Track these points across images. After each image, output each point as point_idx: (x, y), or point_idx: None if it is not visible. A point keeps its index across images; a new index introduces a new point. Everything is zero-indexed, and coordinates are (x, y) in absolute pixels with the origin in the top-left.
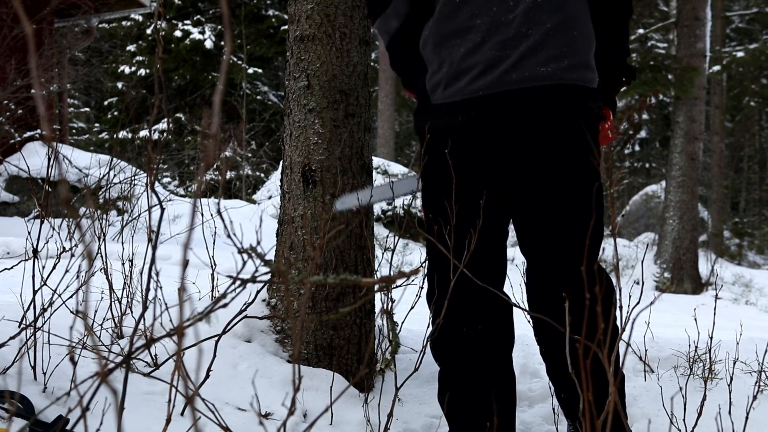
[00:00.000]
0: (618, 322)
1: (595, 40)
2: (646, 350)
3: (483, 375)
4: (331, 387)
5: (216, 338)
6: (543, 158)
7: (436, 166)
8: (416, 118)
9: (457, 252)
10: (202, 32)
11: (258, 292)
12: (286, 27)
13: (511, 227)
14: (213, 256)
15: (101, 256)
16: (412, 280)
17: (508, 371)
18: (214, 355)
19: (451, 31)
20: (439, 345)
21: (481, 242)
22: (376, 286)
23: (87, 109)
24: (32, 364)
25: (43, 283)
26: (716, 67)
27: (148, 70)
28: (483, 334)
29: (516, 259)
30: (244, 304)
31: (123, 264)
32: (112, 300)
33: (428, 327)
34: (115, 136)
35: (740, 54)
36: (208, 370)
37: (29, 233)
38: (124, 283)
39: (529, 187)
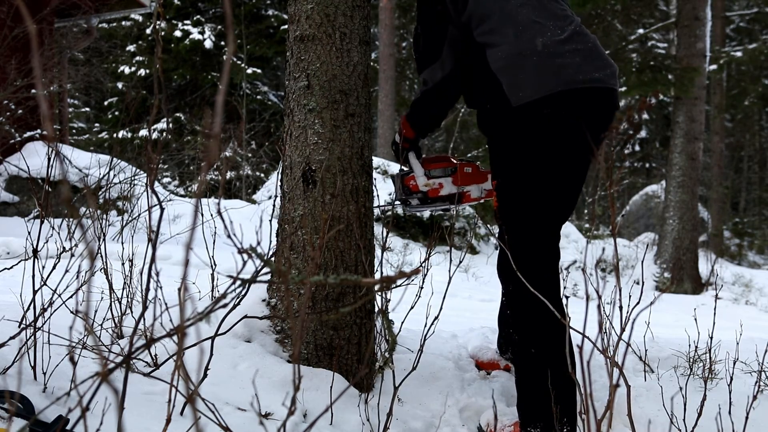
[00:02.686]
0: (618, 322)
1: None
2: (646, 350)
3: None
4: (331, 387)
5: (212, 338)
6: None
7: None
8: (506, 121)
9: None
10: (202, 32)
11: (248, 285)
12: (286, 27)
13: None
14: (213, 256)
15: (101, 256)
16: (412, 280)
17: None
18: (211, 354)
19: (530, 49)
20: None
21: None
22: (376, 286)
23: (87, 109)
24: (32, 364)
25: (43, 283)
26: (713, 66)
27: (148, 70)
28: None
29: None
30: (239, 298)
31: (123, 264)
32: (112, 300)
33: (425, 326)
34: (115, 136)
35: (738, 54)
36: (206, 368)
37: (29, 233)
38: (124, 283)
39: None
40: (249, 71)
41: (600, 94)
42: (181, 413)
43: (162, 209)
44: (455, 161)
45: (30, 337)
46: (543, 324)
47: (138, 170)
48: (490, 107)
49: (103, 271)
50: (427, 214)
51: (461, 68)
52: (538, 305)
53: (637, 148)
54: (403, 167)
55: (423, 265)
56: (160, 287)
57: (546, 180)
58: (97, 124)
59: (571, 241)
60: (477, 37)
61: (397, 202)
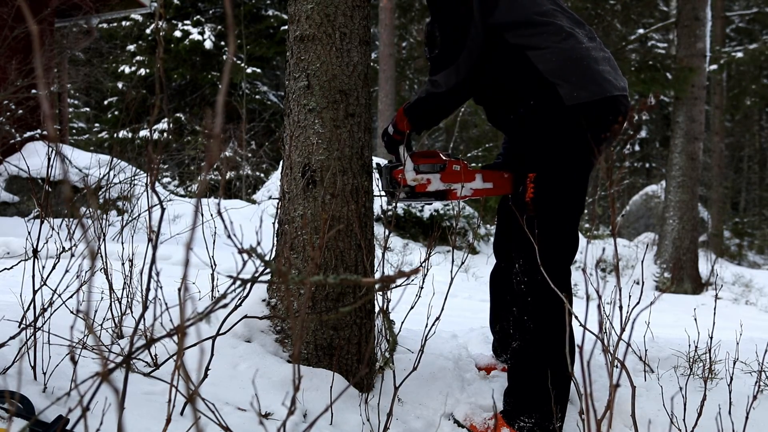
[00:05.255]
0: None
1: None
2: (646, 350)
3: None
4: (331, 387)
5: (213, 338)
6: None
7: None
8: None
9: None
10: (202, 32)
11: (251, 286)
12: (286, 27)
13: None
14: (213, 256)
15: (101, 256)
16: (412, 280)
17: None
18: (212, 354)
19: (580, 55)
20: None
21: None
22: (376, 286)
23: (87, 109)
24: (32, 364)
25: (43, 283)
26: (713, 66)
27: (148, 70)
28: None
29: None
30: (240, 299)
31: (123, 264)
32: (112, 300)
33: (425, 327)
34: (115, 136)
35: (739, 54)
36: (207, 368)
37: (29, 233)
38: (124, 283)
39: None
40: (249, 71)
41: (626, 101)
42: (181, 413)
43: (162, 209)
44: (444, 158)
45: (30, 337)
46: (559, 314)
47: (138, 170)
48: (534, 104)
49: (103, 271)
50: (426, 214)
51: (477, 73)
52: (556, 296)
53: (637, 148)
54: (392, 159)
55: (423, 265)
56: (160, 287)
57: (584, 175)
58: (97, 124)
59: None
60: (511, 39)
61: (382, 193)
